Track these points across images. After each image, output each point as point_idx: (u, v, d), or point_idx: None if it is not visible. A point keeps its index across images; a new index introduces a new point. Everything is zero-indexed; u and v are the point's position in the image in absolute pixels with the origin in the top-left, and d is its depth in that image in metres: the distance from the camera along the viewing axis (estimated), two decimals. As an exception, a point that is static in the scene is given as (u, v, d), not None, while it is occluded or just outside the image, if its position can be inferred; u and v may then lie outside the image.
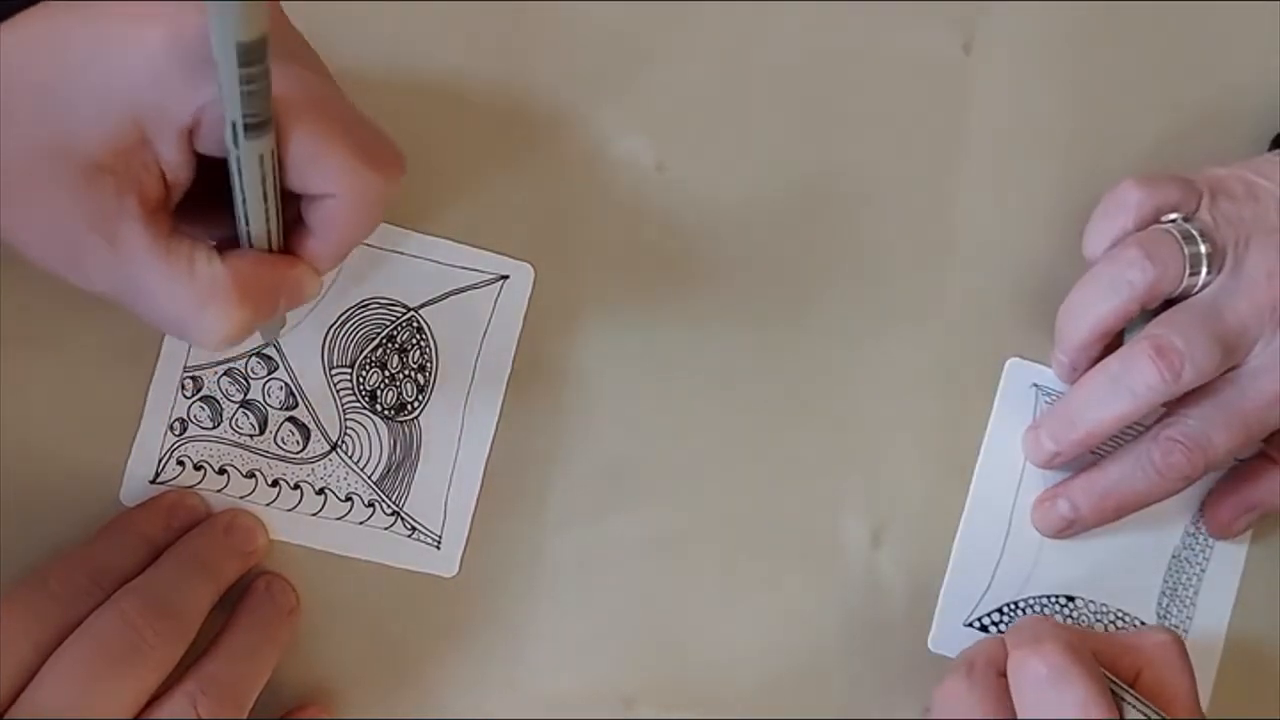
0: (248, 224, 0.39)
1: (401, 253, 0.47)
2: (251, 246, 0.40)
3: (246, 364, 0.46)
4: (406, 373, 0.47)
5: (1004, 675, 0.43)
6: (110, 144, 0.36)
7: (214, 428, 0.46)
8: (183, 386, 0.46)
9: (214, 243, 0.40)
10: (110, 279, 0.38)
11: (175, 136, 0.36)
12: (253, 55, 0.33)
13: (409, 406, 0.47)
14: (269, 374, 0.46)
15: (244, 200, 0.38)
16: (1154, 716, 0.41)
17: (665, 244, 0.49)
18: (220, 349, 0.44)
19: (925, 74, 0.50)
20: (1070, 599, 0.50)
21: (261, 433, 0.46)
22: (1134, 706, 0.41)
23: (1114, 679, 0.42)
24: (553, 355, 0.48)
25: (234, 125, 0.35)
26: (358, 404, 0.47)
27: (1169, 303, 0.46)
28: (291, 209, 0.39)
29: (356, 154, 0.38)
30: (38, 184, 0.37)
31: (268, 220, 0.39)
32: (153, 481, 0.46)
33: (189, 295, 0.38)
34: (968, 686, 0.43)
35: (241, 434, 0.46)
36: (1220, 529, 0.50)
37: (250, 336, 0.43)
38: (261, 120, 0.35)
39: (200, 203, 0.39)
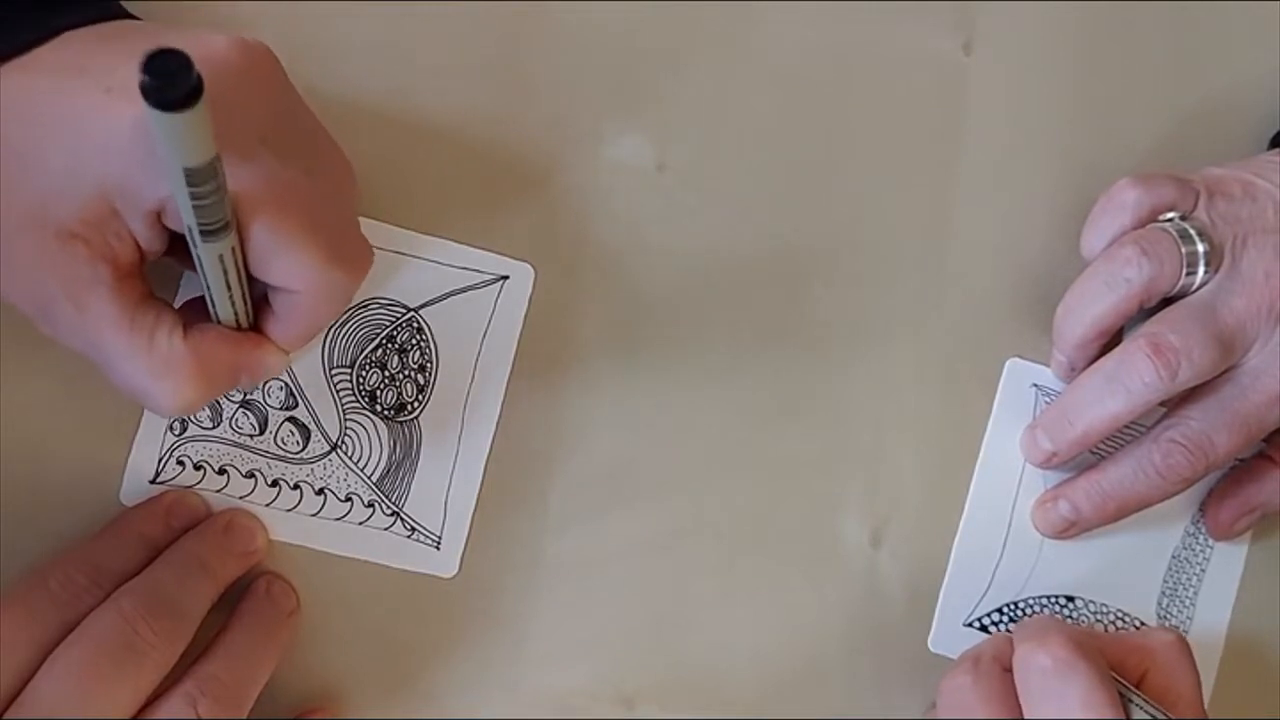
0: (214, 307, 0.40)
1: (401, 253, 0.47)
2: (219, 321, 0.40)
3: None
4: (406, 373, 0.47)
5: (1009, 670, 0.43)
6: (80, 214, 0.37)
7: (214, 427, 0.46)
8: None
9: (186, 302, 0.41)
10: (76, 339, 0.38)
11: (143, 215, 0.37)
12: (201, 177, 0.33)
13: (409, 407, 0.47)
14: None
15: (209, 288, 0.39)
16: (1160, 717, 0.41)
17: (665, 244, 0.49)
18: (176, 417, 0.45)
19: (925, 74, 0.50)
20: (1070, 599, 0.50)
21: (261, 433, 0.46)
22: (1140, 707, 0.41)
23: (1120, 679, 0.42)
24: (553, 355, 0.48)
25: (189, 229, 0.36)
26: (358, 404, 0.47)
27: (1166, 302, 0.46)
28: (261, 286, 0.40)
29: (319, 251, 0.38)
30: (14, 245, 0.37)
31: (233, 305, 0.39)
32: (153, 481, 0.46)
33: (146, 368, 0.38)
34: (973, 680, 0.43)
35: (241, 434, 0.46)
36: (1221, 530, 0.50)
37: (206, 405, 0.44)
38: (217, 227, 0.35)
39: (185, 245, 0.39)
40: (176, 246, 0.39)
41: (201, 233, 0.35)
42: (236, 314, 0.40)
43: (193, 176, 0.33)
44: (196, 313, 0.40)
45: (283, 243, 0.38)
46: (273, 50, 0.40)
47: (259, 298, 0.41)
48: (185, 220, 0.35)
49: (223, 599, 0.43)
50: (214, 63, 0.37)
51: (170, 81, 0.30)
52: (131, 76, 0.35)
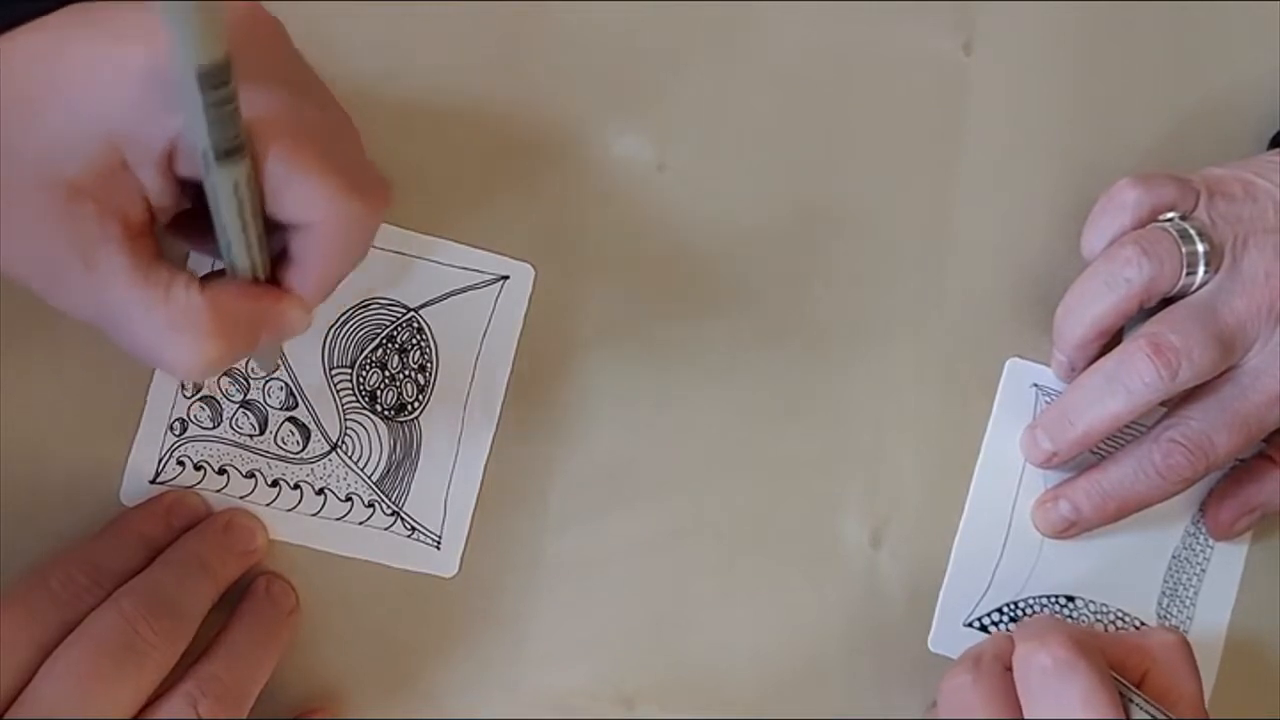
0: (231, 253, 0.38)
1: (402, 253, 0.47)
2: (237, 276, 0.38)
3: (247, 364, 0.46)
4: (406, 373, 0.47)
5: (1010, 670, 0.43)
6: (90, 168, 0.35)
7: (214, 428, 0.46)
8: (183, 386, 0.46)
9: (205, 270, 0.39)
10: (87, 304, 0.37)
11: (154, 163, 0.36)
12: (215, 79, 0.32)
13: (409, 407, 0.47)
14: (269, 374, 0.46)
15: (224, 228, 0.37)
16: (1160, 717, 0.41)
17: (665, 244, 0.49)
18: (194, 380, 0.44)
19: (925, 74, 0.50)
20: (1070, 599, 0.50)
21: (261, 433, 0.46)
22: (1140, 707, 0.41)
23: (1121, 679, 0.42)
24: (553, 355, 0.48)
25: (204, 153, 0.34)
26: (358, 404, 0.47)
27: (1166, 302, 0.46)
28: (280, 241, 0.38)
29: (336, 180, 0.37)
30: (20, 204, 0.36)
31: (249, 249, 0.38)
32: (153, 481, 0.46)
33: (162, 322, 0.37)
34: (973, 679, 0.43)
35: (241, 434, 0.46)
36: (1221, 530, 0.50)
37: (226, 368, 0.43)
38: (232, 147, 0.34)
39: (198, 219, 0.38)
40: (185, 223, 0.38)
41: (216, 154, 0.34)
42: (254, 262, 0.38)
43: (207, 78, 0.32)
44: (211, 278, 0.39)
45: (298, 170, 0.36)
46: None
47: (277, 253, 0.39)
48: (199, 143, 0.34)
49: (223, 599, 0.43)
50: (228, 12, 0.36)
51: None
52: (139, 21, 0.35)
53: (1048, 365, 0.50)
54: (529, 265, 0.48)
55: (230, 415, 0.46)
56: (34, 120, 0.36)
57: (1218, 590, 0.51)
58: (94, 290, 0.37)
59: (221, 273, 0.39)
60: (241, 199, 0.36)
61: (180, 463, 0.46)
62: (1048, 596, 0.50)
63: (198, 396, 0.46)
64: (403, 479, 0.47)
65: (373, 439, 0.47)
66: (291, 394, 0.46)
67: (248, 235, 0.37)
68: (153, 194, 0.37)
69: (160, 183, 0.36)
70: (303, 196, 0.37)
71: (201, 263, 0.44)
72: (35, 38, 0.37)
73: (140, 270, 0.36)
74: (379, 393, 0.47)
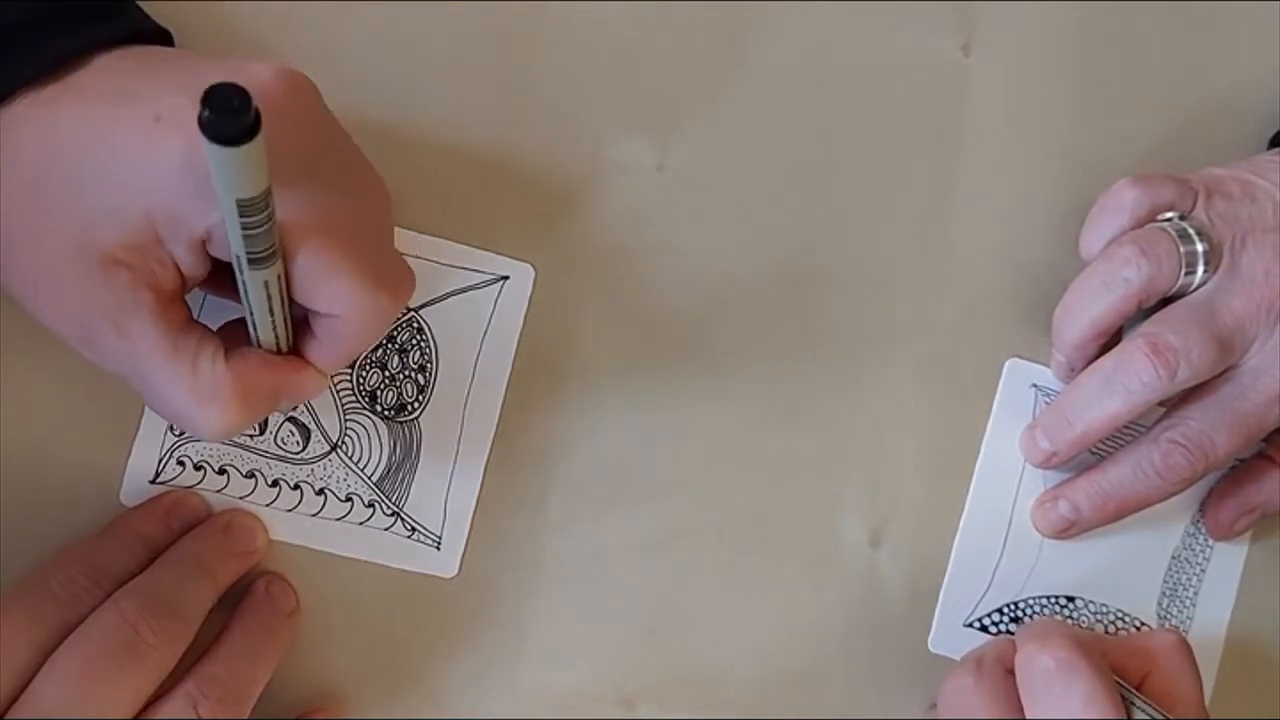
0: (256, 331, 0.40)
1: (402, 253, 0.47)
2: (260, 345, 0.40)
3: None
4: (407, 373, 0.47)
5: (1012, 673, 0.43)
6: (125, 241, 0.37)
7: (214, 428, 0.46)
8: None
9: (223, 325, 0.41)
10: (120, 364, 0.39)
11: (188, 243, 0.37)
12: (253, 208, 0.33)
13: (409, 407, 0.47)
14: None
15: (251, 314, 0.39)
16: (1161, 719, 0.41)
17: (665, 244, 0.49)
18: (218, 440, 0.45)
19: (925, 74, 0.50)
20: (1070, 599, 0.50)
21: (261, 433, 0.46)
22: (1141, 709, 0.41)
23: (1122, 682, 0.42)
24: (553, 355, 0.48)
25: (237, 257, 0.36)
26: (358, 404, 0.47)
27: (1165, 302, 0.46)
28: (301, 308, 0.40)
29: (363, 276, 0.38)
30: (58, 271, 0.37)
31: (275, 330, 0.39)
32: (153, 481, 0.46)
33: (189, 393, 0.38)
34: (975, 681, 0.43)
35: (241, 434, 0.46)
36: (1221, 530, 0.50)
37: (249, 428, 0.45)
38: (265, 255, 0.36)
39: (225, 278, 0.39)
40: (212, 276, 0.39)
41: (249, 261, 0.36)
42: (278, 338, 0.40)
43: (245, 208, 0.33)
44: (236, 334, 0.40)
45: (328, 269, 0.38)
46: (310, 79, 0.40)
47: (299, 320, 0.40)
48: (233, 249, 0.35)
49: (223, 599, 0.43)
50: (257, 93, 0.36)
51: (230, 117, 0.30)
52: (180, 106, 0.36)
53: (1047, 365, 0.50)
54: (529, 265, 0.48)
55: (230, 415, 0.46)
56: (76, 192, 0.37)
57: (1218, 590, 0.51)
58: (126, 354, 0.38)
59: (240, 322, 0.40)
60: (270, 294, 0.37)
61: (180, 463, 0.46)
62: (1048, 597, 0.50)
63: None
64: (403, 479, 0.47)
65: (373, 439, 0.47)
66: (291, 394, 0.46)
67: (274, 319, 0.39)
68: (184, 266, 0.38)
69: (192, 259, 0.38)
70: (332, 293, 0.38)
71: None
72: (83, 107, 0.38)
73: (170, 338, 0.38)
74: (379, 393, 0.47)
